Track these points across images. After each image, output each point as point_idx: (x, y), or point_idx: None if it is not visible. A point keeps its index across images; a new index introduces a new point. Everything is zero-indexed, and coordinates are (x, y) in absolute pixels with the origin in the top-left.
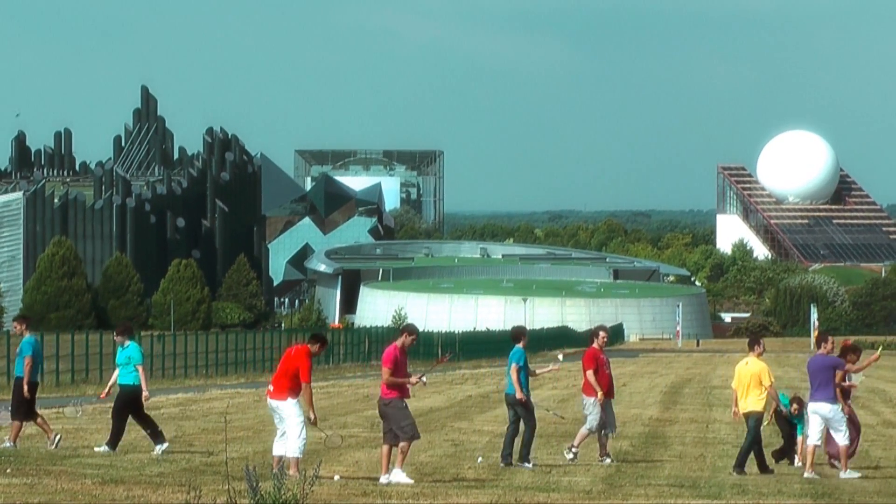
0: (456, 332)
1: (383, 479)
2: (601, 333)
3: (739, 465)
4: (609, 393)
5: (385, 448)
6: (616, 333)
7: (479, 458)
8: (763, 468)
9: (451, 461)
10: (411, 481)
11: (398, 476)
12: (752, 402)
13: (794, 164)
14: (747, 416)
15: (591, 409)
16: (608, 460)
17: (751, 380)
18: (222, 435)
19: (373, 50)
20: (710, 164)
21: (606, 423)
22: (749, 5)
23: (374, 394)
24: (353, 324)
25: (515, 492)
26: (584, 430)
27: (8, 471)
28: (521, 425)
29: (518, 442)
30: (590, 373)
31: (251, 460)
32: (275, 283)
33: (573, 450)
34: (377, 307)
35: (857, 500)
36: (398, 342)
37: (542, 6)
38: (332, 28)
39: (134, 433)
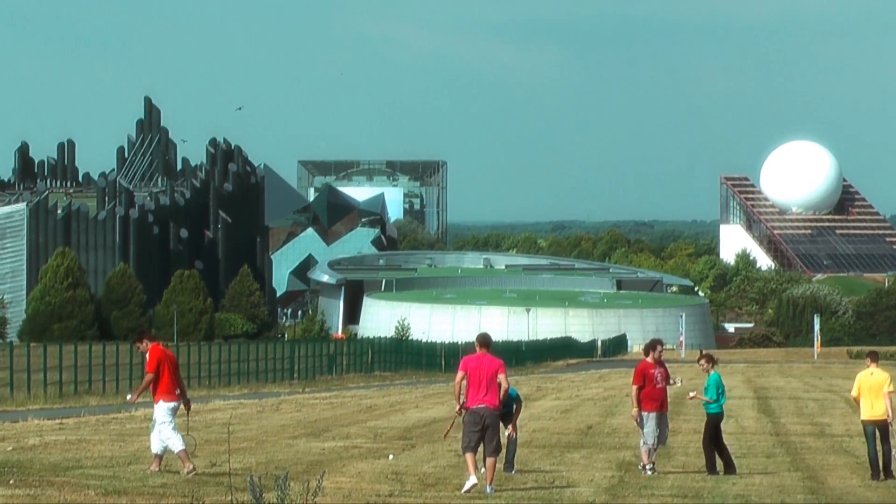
0: (459, 342)
1: (470, 482)
2: (658, 347)
3: (887, 471)
4: (662, 406)
5: (470, 456)
6: (619, 344)
7: (482, 469)
8: (888, 472)
9: (455, 472)
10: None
11: (490, 491)
12: (880, 410)
13: (797, 175)
14: (874, 423)
15: (644, 422)
16: (650, 471)
17: (879, 388)
18: (225, 446)
19: (375, 60)
20: (713, 175)
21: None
22: (752, 15)
23: (377, 404)
24: (356, 334)
25: (519, 502)
26: (642, 447)
27: (11, 482)
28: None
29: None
30: (634, 388)
31: (254, 471)
32: (278, 294)
33: (647, 468)
34: (380, 318)
35: None
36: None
37: (544, 16)
38: (335, 38)
39: (137, 444)
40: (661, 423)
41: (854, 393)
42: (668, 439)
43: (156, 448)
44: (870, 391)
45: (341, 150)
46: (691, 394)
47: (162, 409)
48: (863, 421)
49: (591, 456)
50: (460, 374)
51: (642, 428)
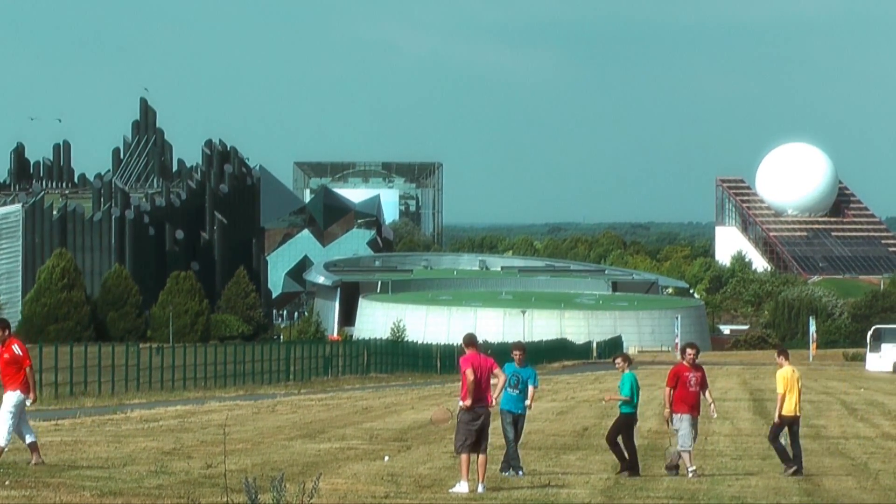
0: (455, 344)
1: (461, 488)
2: (688, 350)
3: (798, 465)
4: (693, 410)
5: (465, 457)
6: (614, 346)
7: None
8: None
9: (450, 473)
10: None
11: (481, 489)
12: (796, 406)
13: (792, 177)
14: (795, 418)
15: (678, 424)
16: (691, 474)
17: (797, 384)
18: (221, 447)
19: (371, 62)
20: (709, 177)
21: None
22: (747, 17)
23: (373, 406)
24: (351, 336)
25: (514, 503)
26: (681, 451)
27: (6, 483)
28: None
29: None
30: (667, 390)
31: (250, 472)
32: (273, 296)
33: (689, 469)
34: (376, 319)
35: None
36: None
37: (540, 18)
38: (331, 40)
39: (132, 445)
40: (694, 426)
41: (780, 390)
42: (695, 440)
43: (4, 440)
44: (793, 387)
45: (337, 151)
46: (606, 396)
47: (18, 399)
48: (786, 417)
49: (587, 458)
50: (472, 374)
51: (676, 431)
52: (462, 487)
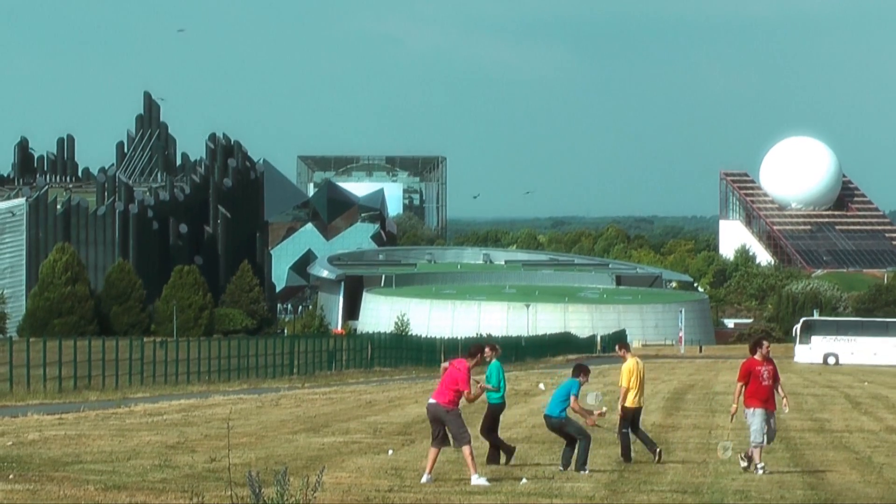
0: (458, 338)
1: (425, 479)
2: (765, 343)
3: (627, 457)
4: (768, 403)
5: (433, 451)
6: (618, 339)
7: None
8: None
9: (454, 467)
10: (487, 483)
11: (478, 481)
12: (640, 397)
13: (796, 171)
14: (638, 410)
15: (750, 419)
16: (760, 471)
17: (642, 377)
18: (225, 441)
19: (376, 56)
20: (712, 171)
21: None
22: (751, 11)
23: (377, 400)
24: (355, 330)
25: (518, 497)
26: (752, 446)
27: (10, 477)
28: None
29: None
30: (738, 385)
31: (254, 466)
32: (277, 290)
33: (757, 465)
34: (380, 313)
35: None
36: (470, 363)
37: (544, 13)
38: (335, 34)
39: (136, 439)
40: (768, 421)
41: (624, 384)
42: (775, 436)
43: None
44: (638, 380)
45: (341, 145)
46: (480, 384)
47: None
48: (631, 408)
49: (591, 451)
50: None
51: (751, 423)
52: (424, 476)
